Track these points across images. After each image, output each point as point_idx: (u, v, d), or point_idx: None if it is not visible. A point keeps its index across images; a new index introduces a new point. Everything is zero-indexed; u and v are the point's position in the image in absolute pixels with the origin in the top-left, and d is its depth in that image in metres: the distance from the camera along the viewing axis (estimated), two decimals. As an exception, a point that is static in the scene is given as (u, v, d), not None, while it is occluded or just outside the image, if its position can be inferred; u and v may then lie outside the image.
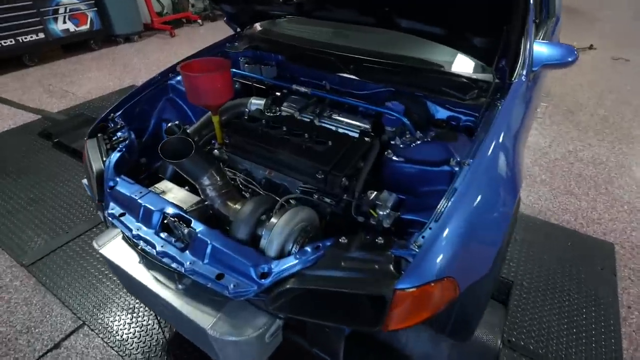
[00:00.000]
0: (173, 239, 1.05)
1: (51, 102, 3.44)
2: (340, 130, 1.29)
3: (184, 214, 1.05)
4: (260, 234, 1.00)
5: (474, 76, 1.30)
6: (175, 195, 1.18)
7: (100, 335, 1.48)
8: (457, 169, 1.02)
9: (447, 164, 1.07)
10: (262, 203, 1.04)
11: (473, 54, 1.29)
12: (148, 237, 1.05)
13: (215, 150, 1.32)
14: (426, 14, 1.24)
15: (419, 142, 1.16)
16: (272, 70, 1.64)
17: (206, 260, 0.96)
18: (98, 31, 4.70)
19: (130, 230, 1.09)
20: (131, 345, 1.45)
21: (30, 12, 4.01)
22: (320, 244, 0.89)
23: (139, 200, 1.11)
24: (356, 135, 1.25)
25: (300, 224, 0.99)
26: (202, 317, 0.97)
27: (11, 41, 3.95)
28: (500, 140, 1.03)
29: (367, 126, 1.29)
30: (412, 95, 1.32)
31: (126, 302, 1.61)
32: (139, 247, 1.07)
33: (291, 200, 1.07)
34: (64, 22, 4.33)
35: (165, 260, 1.01)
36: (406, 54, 1.43)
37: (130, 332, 1.49)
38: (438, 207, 0.88)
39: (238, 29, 1.88)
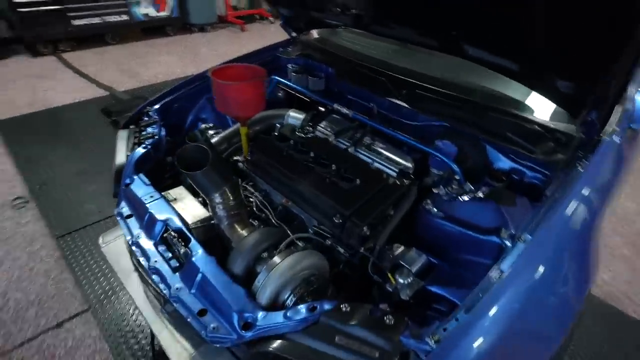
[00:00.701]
0: (169, 255, 0.96)
1: (121, 81, 3.64)
2: (376, 165, 1.12)
3: (185, 231, 0.96)
4: (258, 271, 0.87)
5: (552, 125, 1.07)
6: (186, 206, 1.10)
7: (99, 326, 1.46)
8: (508, 243, 0.82)
9: (496, 233, 0.86)
10: (268, 237, 0.92)
11: (554, 98, 1.06)
12: (145, 248, 0.98)
13: (240, 164, 1.22)
14: (500, 44, 1.04)
15: (466, 197, 0.97)
16: (319, 82, 1.51)
17: (193, 290, 0.86)
18: (175, 18, 4.93)
19: (132, 235, 1.03)
20: (125, 342, 1.41)
21: (118, -5, 4.30)
22: (318, 306, 0.74)
23: (146, 205, 1.04)
24: (394, 173, 1.08)
25: (304, 271, 0.85)
26: (177, 351, 0.87)
27: (98, 20, 4.26)
28: (576, 214, 0.80)
29: (409, 165, 1.11)
30: (469, 135, 1.13)
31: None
32: (135, 256, 1.00)
33: (300, 241, 0.93)
34: (147, 6, 4.59)
35: (154, 277, 0.92)
36: (470, 85, 1.23)
37: (128, 329, 1.45)
38: (473, 292, 0.69)
39: (293, 34, 1.79)
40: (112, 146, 2.50)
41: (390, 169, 1.11)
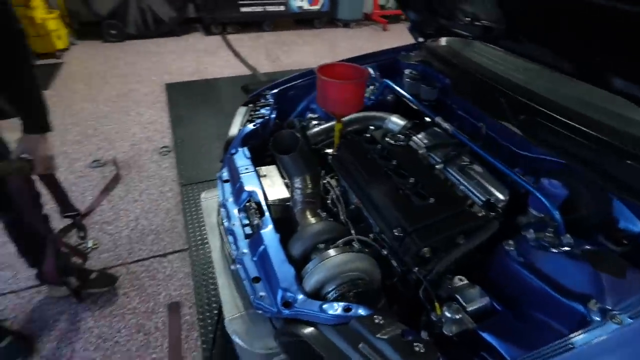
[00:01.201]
0: (246, 222, 1.08)
1: (264, 64, 4.10)
2: (463, 188, 1.04)
3: (263, 205, 1.07)
4: (311, 259, 0.92)
5: None
6: (272, 183, 1.21)
7: (191, 265, 1.73)
8: (596, 317, 0.69)
9: (584, 301, 0.72)
10: (329, 230, 0.95)
11: None
12: (230, 211, 1.12)
13: (329, 157, 1.27)
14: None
15: (560, 250, 0.83)
16: (431, 92, 1.46)
17: (255, 258, 0.95)
18: (324, 12, 5.26)
19: (223, 197, 1.19)
20: (205, 286, 1.64)
21: (281, -12, 4.81)
22: (353, 309, 0.75)
23: (240, 175, 1.18)
24: (480, 202, 0.99)
25: (352, 272, 0.86)
26: (231, 306, 0.98)
27: (260, 9, 4.86)
28: None
29: (502, 197, 1.00)
30: (591, 181, 0.95)
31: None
32: (221, 216, 1.16)
33: (357, 244, 0.94)
34: (302, 0, 5.01)
35: (229, 237, 1.06)
36: (607, 122, 1.02)
37: (209, 275, 1.68)
38: (530, 355, 0.61)
39: (420, 39, 1.74)
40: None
41: (478, 196, 1.01)
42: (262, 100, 1.55)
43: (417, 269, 0.83)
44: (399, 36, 5.36)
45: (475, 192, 1.02)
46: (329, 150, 1.30)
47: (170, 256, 1.79)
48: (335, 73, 1.12)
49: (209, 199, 1.35)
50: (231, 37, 4.83)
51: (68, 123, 2.76)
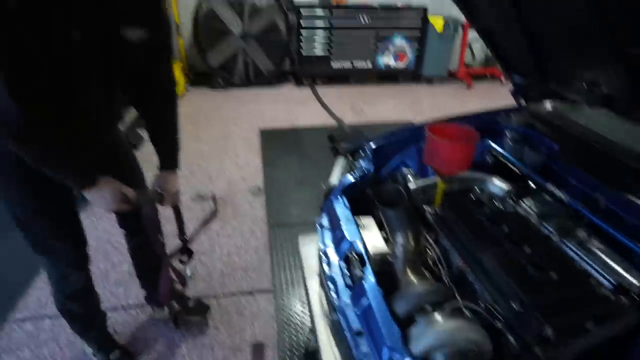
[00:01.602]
0: (347, 272, 1.11)
1: (349, 115, 4.31)
2: (586, 266, 0.96)
3: (365, 256, 1.10)
4: (416, 320, 0.91)
5: None
6: (371, 235, 1.24)
7: (275, 307, 1.79)
8: None
9: None
10: (436, 292, 0.94)
11: None
12: (330, 258, 1.17)
13: (429, 215, 1.28)
14: None
15: None
16: (537, 157, 1.40)
17: (357, 310, 0.97)
18: (409, 70, 5.45)
19: (324, 244, 1.25)
20: (287, 330, 1.67)
21: (370, 46, 5.14)
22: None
23: (340, 223, 1.24)
24: (609, 285, 0.90)
25: (464, 342, 0.82)
26: (329, 355, 1.00)
27: (349, 65, 5.22)
28: None
29: (637, 283, 0.90)
30: None
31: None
32: (321, 262, 1.21)
33: (468, 312, 0.90)
34: (388, 57, 5.28)
35: (329, 284, 1.09)
36: None
37: (294, 321, 1.71)
38: None
39: (522, 102, 1.72)
40: (326, 166, 3.02)
41: (606, 278, 0.92)
42: (362, 152, 1.64)
43: (539, 349, 0.77)
44: (483, 95, 5.30)
45: (601, 272, 0.94)
46: (429, 208, 1.31)
47: (257, 295, 1.87)
48: (445, 133, 1.15)
49: (307, 244, 1.42)
50: (319, 89, 5.20)
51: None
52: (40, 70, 0.86)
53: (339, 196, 1.39)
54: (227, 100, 4.68)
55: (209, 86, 5.05)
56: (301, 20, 4.86)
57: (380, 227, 1.30)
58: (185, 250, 1.54)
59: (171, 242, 1.50)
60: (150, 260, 1.54)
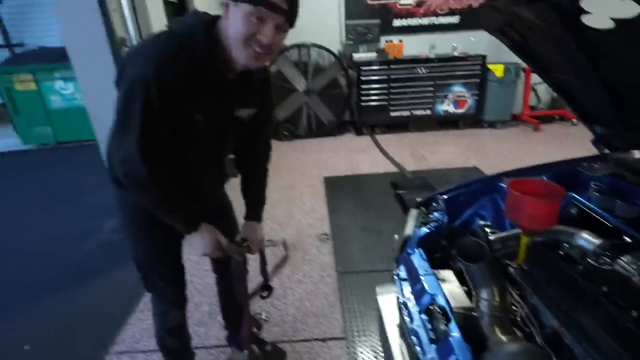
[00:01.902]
0: (430, 326, 1.12)
1: (409, 162, 4.36)
2: None
3: (448, 311, 1.10)
4: (510, 382, 0.88)
5: None
6: (452, 289, 1.25)
7: (349, 356, 1.79)
8: None
9: None
10: (531, 354, 0.91)
11: None
12: (411, 311, 1.19)
13: (511, 269, 1.26)
14: None
15: None
16: (630, 209, 1.33)
17: (445, 367, 0.97)
18: (469, 115, 5.42)
19: (403, 296, 1.27)
20: (361, 382, 1.65)
21: (428, 95, 5.25)
22: None
23: (420, 277, 1.26)
24: None
25: (566, 409, 0.79)
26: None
27: (407, 113, 5.35)
28: None
29: None
30: None
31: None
32: (402, 313, 1.23)
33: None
34: (448, 104, 5.33)
35: (413, 338, 1.11)
36: None
37: (366, 372, 1.70)
38: None
39: (606, 151, 1.66)
40: (390, 213, 3.05)
41: None
42: (434, 204, 1.67)
43: None
44: (553, 137, 5.06)
45: None
46: (510, 263, 1.28)
47: (330, 342, 1.89)
48: (527, 187, 1.16)
49: (384, 294, 1.45)
50: (379, 137, 5.36)
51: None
52: (167, 143, 1.06)
53: (415, 248, 1.42)
54: (293, 150, 4.99)
55: (275, 138, 5.45)
56: (361, 76, 5.16)
57: (461, 280, 1.30)
58: (266, 287, 1.64)
59: (253, 283, 1.61)
60: (235, 303, 1.66)
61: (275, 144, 4.98)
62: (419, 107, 5.36)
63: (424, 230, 1.51)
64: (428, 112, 5.38)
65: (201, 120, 1.07)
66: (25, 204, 3.94)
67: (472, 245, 1.21)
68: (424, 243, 1.49)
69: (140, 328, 2.07)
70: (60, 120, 5.79)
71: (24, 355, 1.97)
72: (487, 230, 1.51)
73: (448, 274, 1.34)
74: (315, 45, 5.20)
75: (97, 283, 2.50)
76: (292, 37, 5.24)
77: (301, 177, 4.06)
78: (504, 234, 1.44)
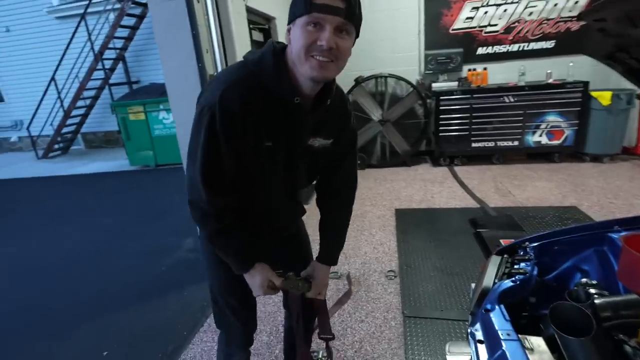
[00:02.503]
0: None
1: (493, 197, 3.95)
2: None
3: (537, 392, 0.89)
4: None
5: None
6: (542, 362, 1.01)
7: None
8: None
9: None
10: None
11: None
12: (488, 382, 0.99)
13: (628, 347, 0.98)
14: None
15: None
16: None
17: None
18: (566, 147, 4.79)
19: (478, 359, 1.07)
20: None
21: (516, 125, 4.79)
22: None
23: (501, 341, 1.06)
24: None
25: None
26: None
27: (491, 144, 4.93)
28: None
29: None
30: None
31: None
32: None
33: None
34: (540, 135, 4.80)
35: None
36: None
37: None
38: None
39: None
40: (467, 254, 2.76)
41: None
42: (521, 253, 1.43)
43: None
44: (681, 175, 4.18)
45: None
46: (626, 339, 1.01)
47: (389, 395, 1.70)
48: (647, 246, 0.92)
49: (456, 354, 1.25)
50: (458, 169, 5.01)
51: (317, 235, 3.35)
52: (235, 171, 1.03)
53: (496, 304, 1.21)
54: (365, 179, 4.90)
55: (347, 166, 5.44)
56: (440, 105, 4.94)
57: (553, 349, 1.06)
58: (329, 355, 1.49)
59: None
60: (292, 341, 1.58)
61: (345, 173, 4.70)
62: (505, 137, 4.91)
63: (508, 283, 1.28)
64: (516, 143, 4.90)
65: (271, 147, 1.01)
66: (125, 218, 4.46)
67: (573, 312, 0.98)
68: (508, 298, 1.26)
69: (201, 349, 2.11)
70: (161, 146, 6.62)
71: (102, 360, 2.13)
72: (592, 291, 1.23)
73: (537, 342, 1.10)
74: (392, 75, 5.16)
75: (170, 298, 2.65)
76: (369, 69, 5.31)
77: (371, 208, 3.94)
78: (616, 298, 1.16)
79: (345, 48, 0.91)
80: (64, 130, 8.71)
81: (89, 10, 8.03)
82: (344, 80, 5.43)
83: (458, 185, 4.44)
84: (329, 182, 1.25)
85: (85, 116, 8.95)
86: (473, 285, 1.50)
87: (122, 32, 8.17)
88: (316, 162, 1.18)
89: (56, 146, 8.86)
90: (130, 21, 8.15)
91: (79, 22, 7.96)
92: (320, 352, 1.96)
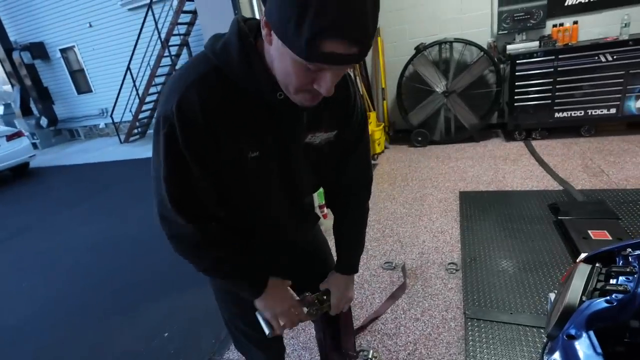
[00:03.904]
0: None
1: (580, 178, 3.38)
2: None
3: None
4: None
5: None
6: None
7: None
8: None
9: None
10: None
11: None
12: None
13: None
14: None
15: None
16: None
17: None
18: (685, 114, 3.90)
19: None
20: None
21: (615, 89, 4.00)
22: None
23: (589, 384, 0.82)
24: None
25: None
26: None
27: (580, 113, 4.21)
28: None
29: None
30: None
31: None
32: None
33: None
34: (647, 100, 3.96)
35: None
36: None
37: None
38: None
39: None
40: (546, 247, 2.39)
41: None
42: (620, 263, 1.12)
43: None
44: None
45: None
46: None
47: (446, 409, 1.53)
48: None
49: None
50: (536, 144, 4.39)
51: (372, 220, 3.18)
52: (211, 191, 0.81)
53: (583, 330, 0.95)
54: (426, 158, 4.54)
55: (408, 144, 5.09)
56: (516, 71, 4.30)
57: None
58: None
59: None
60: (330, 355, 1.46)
61: (406, 150, 4.66)
62: (598, 105, 4.15)
63: (601, 303, 1.00)
64: (613, 111, 4.11)
65: (258, 158, 0.81)
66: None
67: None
68: (599, 323, 0.99)
69: None
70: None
71: (163, 340, 2.25)
72: None
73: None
74: (458, 40, 4.60)
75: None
76: (432, 34, 4.80)
77: (432, 190, 3.62)
78: None
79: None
80: (141, 115, 9.46)
81: (155, -1, 8.42)
82: (403, 49, 5.01)
83: (536, 162, 3.88)
84: (340, 180, 1.03)
85: (157, 102, 9.60)
86: (551, 296, 1.23)
87: (185, 18, 8.45)
88: (320, 161, 0.96)
89: (135, 131, 9.70)
90: (191, 6, 8.38)
91: (147, 12, 8.39)
92: (371, 352, 1.84)
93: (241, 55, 0.71)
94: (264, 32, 0.67)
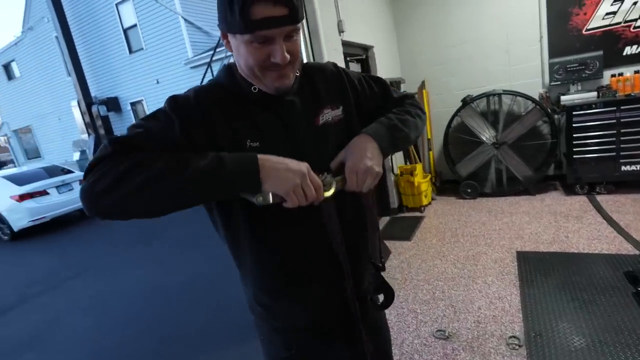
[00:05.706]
0: None
1: (660, 239, 3.02)
2: None
3: None
4: None
5: None
6: None
7: None
8: None
9: None
10: None
11: None
12: None
13: None
14: None
15: None
16: None
17: None
18: None
19: None
20: None
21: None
22: None
23: None
24: None
25: None
26: None
27: (652, 166, 3.85)
28: None
29: None
30: None
31: None
32: None
33: None
34: None
35: None
36: None
37: None
38: None
39: None
40: (626, 324, 2.09)
41: None
42: None
43: None
44: None
45: None
46: None
47: None
48: None
49: None
50: (601, 199, 4.04)
51: (420, 279, 3.02)
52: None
53: None
54: (477, 212, 4.32)
55: (456, 195, 4.91)
56: (573, 122, 4.09)
57: None
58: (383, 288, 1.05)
59: None
60: None
61: (454, 202, 4.46)
62: (673, 157, 3.78)
63: None
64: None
65: (256, 145, 0.81)
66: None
67: None
68: None
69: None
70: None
71: None
72: None
73: None
74: (508, 92, 4.53)
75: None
76: (479, 86, 4.77)
77: (486, 248, 3.40)
78: None
79: (298, 49, 0.82)
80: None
81: (214, 58, 9.29)
82: (450, 101, 5.01)
83: (604, 221, 3.54)
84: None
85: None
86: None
87: (239, 74, 9.17)
88: (347, 138, 0.90)
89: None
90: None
91: (206, 69, 9.24)
92: None
93: (227, 71, 0.89)
94: (224, 43, 0.82)
